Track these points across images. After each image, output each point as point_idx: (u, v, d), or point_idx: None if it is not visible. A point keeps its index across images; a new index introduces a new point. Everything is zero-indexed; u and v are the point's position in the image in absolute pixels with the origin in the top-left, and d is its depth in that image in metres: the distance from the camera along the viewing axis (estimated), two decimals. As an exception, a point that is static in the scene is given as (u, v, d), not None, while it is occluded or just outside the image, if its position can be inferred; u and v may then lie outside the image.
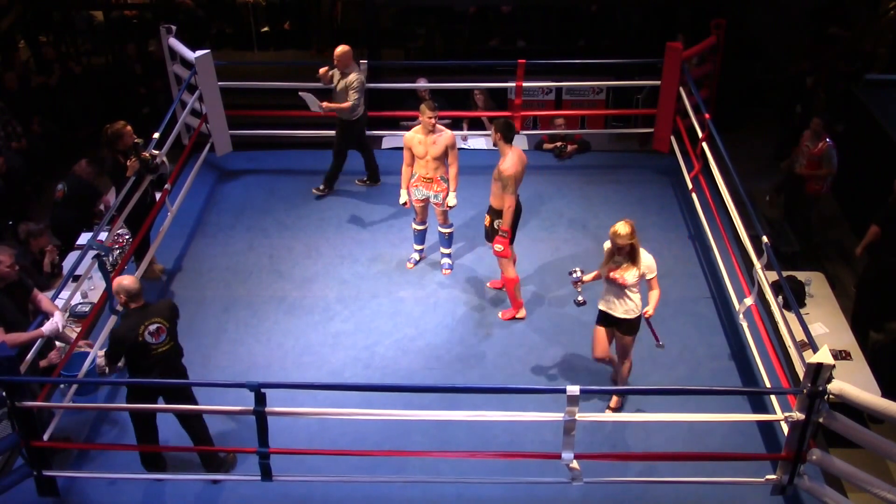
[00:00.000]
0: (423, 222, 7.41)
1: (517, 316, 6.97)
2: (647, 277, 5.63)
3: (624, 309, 5.71)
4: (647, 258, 5.63)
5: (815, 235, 8.68)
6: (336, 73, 7.99)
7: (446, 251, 7.48)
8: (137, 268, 7.03)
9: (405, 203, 7.18)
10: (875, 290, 7.40)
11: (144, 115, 10.24)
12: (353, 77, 7.94)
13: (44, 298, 5.83)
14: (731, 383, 6.33)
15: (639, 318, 5.75)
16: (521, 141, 9.47)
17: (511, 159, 6.40)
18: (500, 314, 7.02)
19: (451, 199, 7.05)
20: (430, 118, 6.78)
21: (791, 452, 5.15)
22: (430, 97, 8.99)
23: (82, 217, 8.04)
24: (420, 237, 7.53)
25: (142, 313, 5.09)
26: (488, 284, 7.34)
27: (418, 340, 6.79)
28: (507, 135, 6.43)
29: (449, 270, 7.47)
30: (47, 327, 5.56)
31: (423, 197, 7.15)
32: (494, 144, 6.55)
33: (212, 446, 5.54)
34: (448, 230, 7.35)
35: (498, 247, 6.59)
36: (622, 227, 5.48)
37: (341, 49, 7.90)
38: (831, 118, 8.38)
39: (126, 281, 5.12)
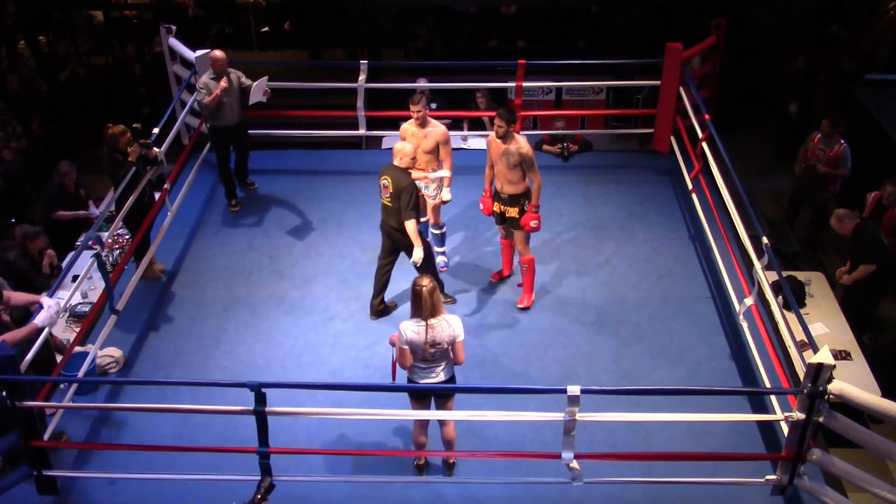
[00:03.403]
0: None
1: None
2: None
3: None
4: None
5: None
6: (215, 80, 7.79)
7: (440, 249, 7.49)
8: (137, 268, 7.03)
9: None
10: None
11: (144, 115, 10.23)
12: (235, 75, 7.94)
13: (15, 294, 5.63)
14: (731, 383, 6.33)
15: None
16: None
17: (524, 139, 6.57)
18: (519, 304, 7.07)
19: (446, 194, 7.05)
20: (414, 111, 6.82)
21: (791, 452, 5.15)
22: (428, 96, 8.96)
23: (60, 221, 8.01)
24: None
25: (388, 169, 6.36)
26: (492, 278, 7.36)
27: (418, 340, 6.78)
28: (515, 120, 6.66)
29: (445, 268, 7.47)
30: (40, 318, 5.40)
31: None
32: (502, 136, 6.49)
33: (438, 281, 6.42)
34: (440, 231, 7.39)
35: (534, 222, 6.68)
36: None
37: (221, 53, 7.81)
38: (836, 117, 8.20)
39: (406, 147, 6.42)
